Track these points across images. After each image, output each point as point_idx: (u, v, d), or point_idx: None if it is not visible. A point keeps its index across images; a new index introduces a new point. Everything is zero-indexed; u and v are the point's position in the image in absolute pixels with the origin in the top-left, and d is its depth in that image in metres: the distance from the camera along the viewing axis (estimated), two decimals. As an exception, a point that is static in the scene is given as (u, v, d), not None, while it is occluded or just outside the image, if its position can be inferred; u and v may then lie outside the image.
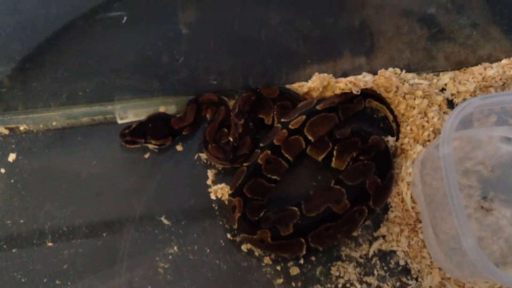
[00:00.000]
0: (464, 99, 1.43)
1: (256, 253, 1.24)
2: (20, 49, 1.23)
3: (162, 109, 1.36)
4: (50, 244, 1.23)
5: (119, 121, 1.33)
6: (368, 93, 1.38)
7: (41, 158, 1.30)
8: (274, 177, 1.26)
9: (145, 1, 1.21)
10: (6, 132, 1.31)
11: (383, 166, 1.26)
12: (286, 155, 1.27)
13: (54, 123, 1.33)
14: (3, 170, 1.28)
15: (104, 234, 1.25)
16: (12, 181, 1.27)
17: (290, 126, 1.27)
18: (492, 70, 1.46)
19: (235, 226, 1.22)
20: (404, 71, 1.43)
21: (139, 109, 1.34)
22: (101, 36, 1.23)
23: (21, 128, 1.32)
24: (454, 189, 1.08)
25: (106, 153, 1.32)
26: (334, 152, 1.30)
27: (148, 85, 1.36)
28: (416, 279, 1.24)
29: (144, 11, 1.21)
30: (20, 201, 1.26)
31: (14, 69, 1.26)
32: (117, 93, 1.35)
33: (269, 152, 1.25)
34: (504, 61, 1.47)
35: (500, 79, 1.46)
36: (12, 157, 1.29)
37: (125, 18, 1.15)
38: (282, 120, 1.30)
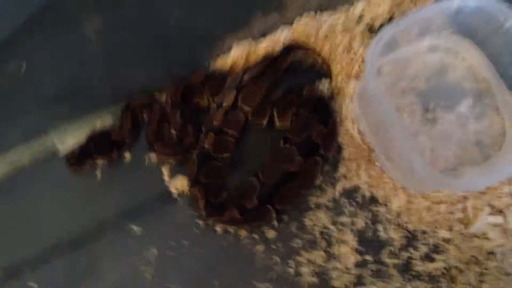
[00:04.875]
0: (382, 23, 1.45)
1: (231, 230, 1.27)
2: None
3: (99, 123, 1.35)
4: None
5: (61, 150, 1.33)
6: (291, 46, 1.38)
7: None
8: (225, 155, 1.28)
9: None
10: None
11: (323, 114, 1.29)
12: (230, 132, 1.28)
13: (-1, 174, 1.31)
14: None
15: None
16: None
17: (224, 104, 1.28)
18: (401, -17, 1.48)
19: (204, 214, 1.25)
20: (318, 12, 1.45)
21: (76, 132, 1.33)
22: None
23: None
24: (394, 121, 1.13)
25: (60, 187, 1.32)
26: (275, 114, 1.32)
27: (79, 106, 1.34)
28: (385, 205, 1.28)
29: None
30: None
31: None
32: (51, 123, 1.33)
33: (212, 134, 1.26)
34: (409, -29, 1.48)
35: (410, -12, 1.47)
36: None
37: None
38: (216, 100, 1.31)
